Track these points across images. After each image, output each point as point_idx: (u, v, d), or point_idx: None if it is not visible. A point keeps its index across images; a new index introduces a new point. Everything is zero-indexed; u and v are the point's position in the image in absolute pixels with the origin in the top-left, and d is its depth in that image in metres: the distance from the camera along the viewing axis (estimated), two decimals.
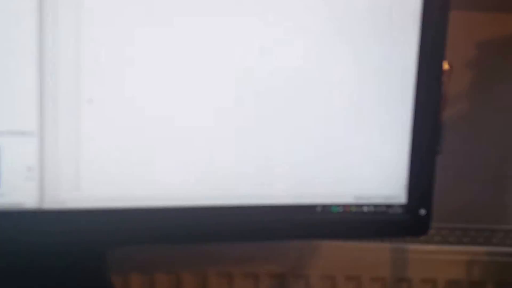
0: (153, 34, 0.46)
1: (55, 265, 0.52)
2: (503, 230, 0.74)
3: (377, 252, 0.72)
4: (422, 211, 0.51)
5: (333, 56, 0.49)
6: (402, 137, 0.51)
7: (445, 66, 0.51)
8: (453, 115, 0.70)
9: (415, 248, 0.72)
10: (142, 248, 0.68)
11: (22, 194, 0.46)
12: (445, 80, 0.51)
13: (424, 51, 0.50)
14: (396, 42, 0.49)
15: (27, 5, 0.43)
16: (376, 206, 0.51)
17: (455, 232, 0.74)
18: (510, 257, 0.72)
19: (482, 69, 0.70)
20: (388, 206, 0.51)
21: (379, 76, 0.49)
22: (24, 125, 0.45)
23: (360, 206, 0.50)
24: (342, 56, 0.49)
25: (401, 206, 0.51)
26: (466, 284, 0.72)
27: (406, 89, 0.50)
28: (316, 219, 0.50)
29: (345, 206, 0.50)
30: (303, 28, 0.48)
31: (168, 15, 0.46)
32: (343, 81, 0.49)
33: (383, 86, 0.50)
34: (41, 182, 0.46)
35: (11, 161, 0.45)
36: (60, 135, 0.45)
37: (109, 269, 0.56)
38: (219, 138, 0.48)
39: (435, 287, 0.73)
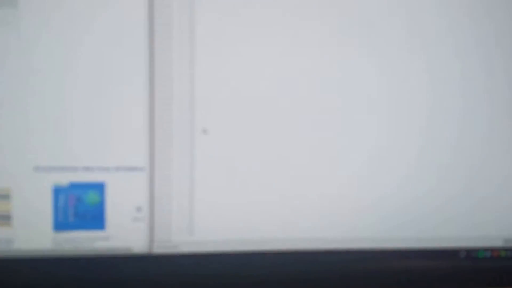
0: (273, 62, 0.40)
1: None
2: None
3: None
4: None
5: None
6: None
7: None
8: None
9: None
10: None
11: (130, 238, 0.41)
12: None
13: None
14: None
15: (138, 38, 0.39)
16: None
17: None
18: None
19: None
20: None
21: None
22: (132, 160, 0.40)
23: (510, 250, 0.43)
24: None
25: None
26: None
27: None
28: (459, 266, 0.43)
29: (493, 250, 0.43)
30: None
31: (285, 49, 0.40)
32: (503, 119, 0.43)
33: None
34: (150, 224, 0.41)
35: (118, 201, 0.40)
36: (172, 170, 0.40)
37: None
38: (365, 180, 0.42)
39: None
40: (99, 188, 0.40)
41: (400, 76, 0.42)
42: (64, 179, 0.39)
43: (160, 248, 0.41)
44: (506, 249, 0.43)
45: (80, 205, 0.40)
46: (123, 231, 0.40)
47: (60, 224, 0.40)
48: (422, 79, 0.42)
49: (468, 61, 0.42)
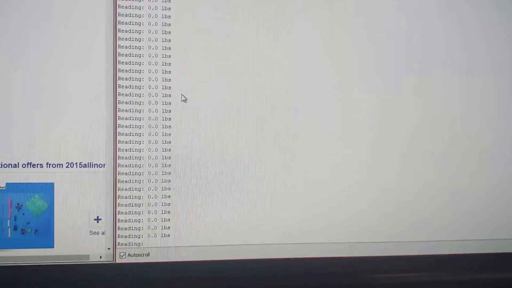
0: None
1: None
2: None
3: None
4: None
5: None
6: None
7: None
8: None
9: None
10: None
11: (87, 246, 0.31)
12: None
13: None
14: None
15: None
16: None
17: None
18: None
19: None
20: None
21: None
22: (89, 154, 0.31)
23: None
24: None
25: None
26: None
27: None
28: None
29: None
30: None
31: None
32: None
33: None
34: (113, 229, 0.31)
35: (70, 208, 0.31)
36: (142, 165, 0.31)
37: None
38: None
39: None
40: (47, 190, 0.31)
41: None
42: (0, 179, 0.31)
43: (125, 257, 0.31)
44: None
45: (21, 215, 0.31)
46: (78, 247, 0.31)
47: None
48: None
49: None
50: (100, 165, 0.31)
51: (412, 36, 0.34)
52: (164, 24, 0.32)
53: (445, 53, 0.34)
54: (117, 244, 0.31)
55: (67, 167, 0.31)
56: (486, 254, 0.34)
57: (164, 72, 0.32)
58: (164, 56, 0.32)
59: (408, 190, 0.34)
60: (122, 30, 0.31)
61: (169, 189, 0.32)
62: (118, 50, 0.31)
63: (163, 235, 0.32)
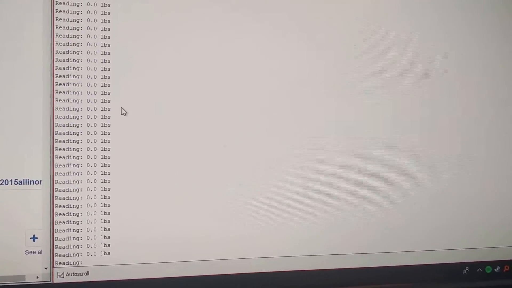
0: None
1: None
2: None
3: None
4: None
5: None
6: None
7: None
8: None
9: None
10: None
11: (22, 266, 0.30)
12: None
13: None
14: None
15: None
16: None
17: None
18: None
19: None
20: None
21: None
22: (24, 171, 0.30)
23: None
24: None
25: None
26: None
27: None
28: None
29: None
30: None
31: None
32: None
33: None
34: (50, 248, 0.30)
35: (3, 225, 0.30)
36: (81, 181, 0.30)
37: None
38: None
39: None
40: None
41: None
42: None
43: (62, 276, 0.30)
44: None
45: None
46: (13, 268, 0.30)
47: None
48: None
49: None
50: (37, 182, 0.30)
51: None
52: (103, 29, 0.31)
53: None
54: (54, 263, 0.30)
55: (1, 184, 0.30)
56: None
57: (103, 85, 0.31)
58: (103, 69, 0.31)
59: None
60: (60, 43, 0.30)
61: (109, 205, 0.31)
62: (56, 55, 0.30)
63: (103, 253, 0.31)
